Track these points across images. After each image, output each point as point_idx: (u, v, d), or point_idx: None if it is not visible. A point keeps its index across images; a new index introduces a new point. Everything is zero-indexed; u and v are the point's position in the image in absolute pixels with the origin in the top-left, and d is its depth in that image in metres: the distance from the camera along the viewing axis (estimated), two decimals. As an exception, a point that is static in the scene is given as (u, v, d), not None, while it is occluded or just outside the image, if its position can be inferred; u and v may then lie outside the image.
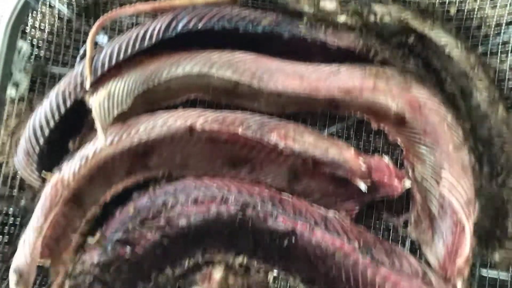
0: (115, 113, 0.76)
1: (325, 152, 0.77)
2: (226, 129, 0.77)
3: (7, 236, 0.84)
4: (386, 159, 0.77)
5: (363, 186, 0.77)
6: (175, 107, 0.82)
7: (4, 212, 0.84)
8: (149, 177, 0.81)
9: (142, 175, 0.81)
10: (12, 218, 0.85)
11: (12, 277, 0.75)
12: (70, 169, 0.76)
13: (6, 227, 0.84)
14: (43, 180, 0.78)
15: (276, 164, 0.80)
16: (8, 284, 0.79)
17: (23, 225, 0.84)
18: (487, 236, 0.79)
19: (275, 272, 0.79)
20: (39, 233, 0.75)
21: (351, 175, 0.78)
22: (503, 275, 0.81)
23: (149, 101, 0.82)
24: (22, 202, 0.85)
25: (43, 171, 0.78)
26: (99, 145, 0.76)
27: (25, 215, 0.85)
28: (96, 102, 0.75)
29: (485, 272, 0.82)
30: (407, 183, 0.77)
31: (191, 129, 0.78)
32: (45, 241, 0.76)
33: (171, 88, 0.82)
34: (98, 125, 0.75)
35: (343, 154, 0.77)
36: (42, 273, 0.82)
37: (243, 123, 0.78)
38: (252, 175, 0.81)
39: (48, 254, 0.77)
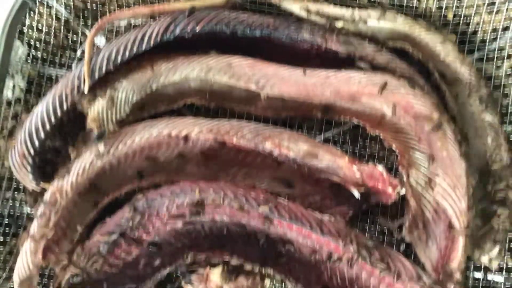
0: (114, 121, 0.77)
1: (320, 160, 0.78)
2: (220, 139, 0.78)
3: (2, 236, 0.85)
4: (380, 167, 0.77)
5: (356, 193, 0.78)
6: (172, 111, 0.83)
7: (-1, 212, 0.85)
8: (145, 184, 0.82)
9: (138, 182, 0.82)
10: (7, 219, 0.85)
11: (16, 283, 0.76)
12: (68, 178, 0.77)
13: (1, 227, 0.85)
14: (43, 190, 0.78)
15: (271, 170, 0.81)
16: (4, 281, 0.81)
17: (18, 226, 0.86)
18: (477, 239, 0.80)
19: (270, 274, 0.80)
20: (40, 241, 0.75)
21: (345, 182, 0.78)
22: (496, 278, 0.82)
23: (146, 107, 0.82)
24: (17, 203, 0.86)
25: (42, 183, 0.79)
26: (97, 154, 0.77)
27: (20, 216, 0.86)
28: (95, 111, 0.75)
29: (478, 275, 0.83)
30: (401, 191, 0.78)
31: (186, 139, 0.78)
32: (46, 244, 0.76)
33: (168, 94, 0.82)
34: (96, 133, 0.76)
35: (337, 161, 0.77)
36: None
37: (237, 133, 0.78)
38: (247, 180, 0.82)
39: (49, 255, 0.78)
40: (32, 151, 0.77)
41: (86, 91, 0.76)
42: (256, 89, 0.81)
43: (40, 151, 0.78)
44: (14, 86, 0.84)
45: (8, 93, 0.84)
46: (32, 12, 0.86)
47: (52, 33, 0.88)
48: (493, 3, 0.82)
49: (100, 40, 0.88)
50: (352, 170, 0.77)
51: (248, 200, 0.78)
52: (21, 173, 0.78)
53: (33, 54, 0.87)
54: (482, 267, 0.82)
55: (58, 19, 0.88)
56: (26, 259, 0.75)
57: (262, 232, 0.79)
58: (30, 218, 0.82)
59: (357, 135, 0.88)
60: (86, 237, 0.80)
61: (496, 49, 0.85)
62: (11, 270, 0.80)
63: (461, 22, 0.85)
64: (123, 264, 0.80)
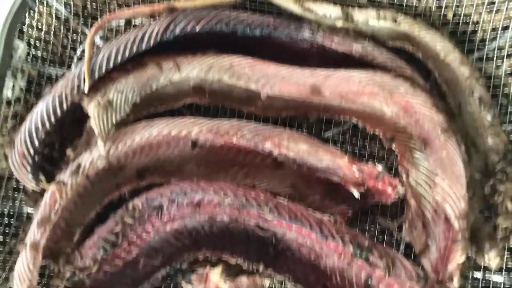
0: (114, 121, 0.77)
1: (319, 160, 0.78)
2: (220, 138, 0.78)
3: (1, 236, 0.84)
4: (380, 167, 0.78)
5: (356, 193, 0.78)
6: (172, 111, 0.83)
7: (-1, 212, 0.85)
8: (145, 184, 0.82)
9: (138, 182, 0.82)
10: (7, 218, 0.85)
11: (16, 283, 0.76)
12: (68, 178, 0.77)
13: (1, 227, 0.85)
14: (42, 190, 0.78)
15: (271, 170, 0.81)
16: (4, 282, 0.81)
17: (18, 226, 0.85)
18: (477, 239, 0.80)
19: (270, 274, 0.80)
20: (39, 241, 0.75)
21: (345, 182, 0.79)
22: (496, 278, 0.82)
23: (145, 107, 0.82)
24: (17, 203, 0.85)
25: (41, 182, 0.78)
26: (97, 154, 0.77)
27: (20, 215, 0.85)
28: (95, 111, 0.75)
29: (478, 274, 0.83)
30: (401, 191, 0.78)
31: (185, 138, 0.78)
32: (46, 245, 0.76)
33: (168, 93, 0.82)
34: (97, 134, 0.76)
35: (337, 161, 0.78)
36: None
37: (237, 132, 0.78)
38: (247, 180, 0.82)
39: (49, 255, 0.78)
40: (32, 151, 0.77)
41: (86, 91, 0.76)
42: (256, 88, 0.81)
43: (40, 150, 0.78)
44: (14, 86, 0.84)
45: (8, 93, 0.84)
46: (32, 11, 0.86)
47: (52, 32, 0.87)
48: (493, 3, 0.82)
49: (100, 39, 0.88)
50: (352, 170, 0.77)
51: (248, 200, 0.78)
52: (21, 172, 0.78)
53: (33, 53, 0.87)
54: (482, 267, 0.82)
55: (58, 18, 0.87)
56: (26, 259, 0.75)
57: (262, 232, 0.79)
58: (30, 218, 0.81)
59: (357, 135, 0.88)
60: (86, 237, 0.80)
61: (496, 49, 0.84)
62: (11, 270, 0.80)
63: (460, 21, 0.85)
64: (123, 263, 0.80)
